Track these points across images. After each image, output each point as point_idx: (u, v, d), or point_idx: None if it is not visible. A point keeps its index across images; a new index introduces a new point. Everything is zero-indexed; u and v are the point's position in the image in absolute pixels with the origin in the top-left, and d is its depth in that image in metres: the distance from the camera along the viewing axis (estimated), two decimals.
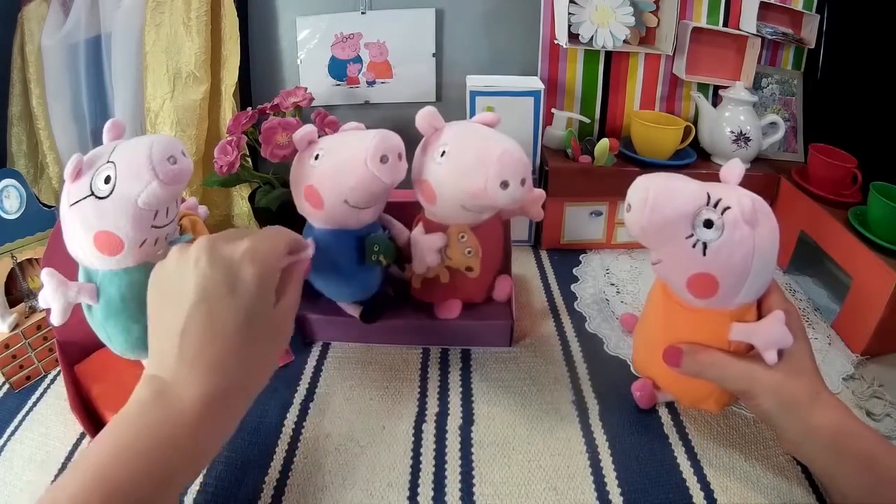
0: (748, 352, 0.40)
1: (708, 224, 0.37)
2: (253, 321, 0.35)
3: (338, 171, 0.45)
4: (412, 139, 0.49)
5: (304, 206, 0.49)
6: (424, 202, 0.50)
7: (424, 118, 0.48)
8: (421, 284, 0.53)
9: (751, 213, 0.36)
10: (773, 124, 0.71)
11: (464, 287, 0.53)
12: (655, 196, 0.37)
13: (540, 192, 0.55)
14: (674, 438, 0.46)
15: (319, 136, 0.49)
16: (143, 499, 0.30)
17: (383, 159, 0.43)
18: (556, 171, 0.69)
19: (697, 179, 0.39)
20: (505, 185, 0.43)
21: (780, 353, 0.38)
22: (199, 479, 0.43)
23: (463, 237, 0.49)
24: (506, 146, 0.44)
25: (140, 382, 0.35)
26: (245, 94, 0.78)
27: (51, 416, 0.49)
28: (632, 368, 0.52)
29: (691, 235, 0.37)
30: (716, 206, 0.37)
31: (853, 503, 0.37)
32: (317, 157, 0.47)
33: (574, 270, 0.70)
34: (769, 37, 0.74)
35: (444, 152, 0.46)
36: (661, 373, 0.44)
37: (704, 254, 0.37)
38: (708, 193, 0.38)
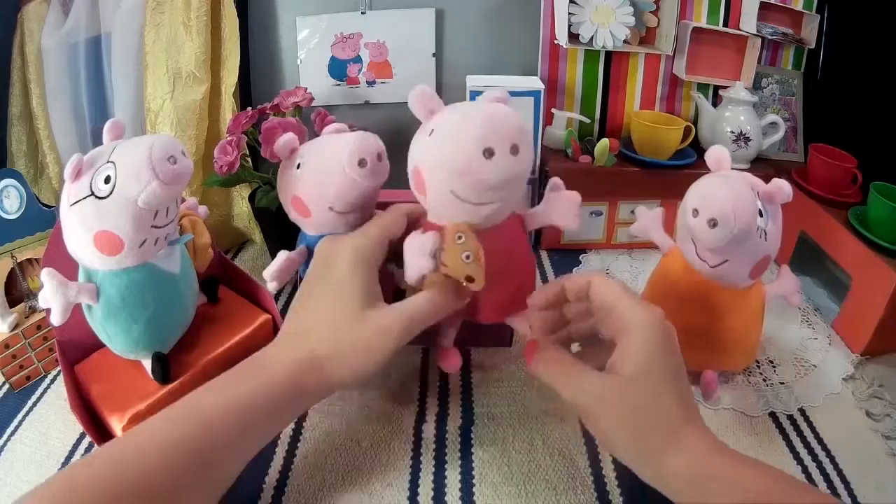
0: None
1: (761, 213, 0.41)
2: (342, 298, 0.39)
3: (319, 179, 0.44)
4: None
5: (293, 215, 0.48)
6: (418, 194, 0.42)
7: (418, 99, 0.40)
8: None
9: (772, 186, 0.42)
10: (773, 124, 0.72)
11: (472, 302, 0.43)
12: (734, 203, 0.40)
13: (573, 194, 0.44)
14: None
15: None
16: (229, 427, 0.35)
17: (361, 163, 0.42)
18: (556, 171, 0.69)
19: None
20: (489, 152, 0.35)
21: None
22: None
23: (461, 238, 0.38)
24: (493, 109, 0.38)
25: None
26: (245, 94, 0.78)
27: (51, 416, 0.49)
28: None
29: (758, 228, 0.41)
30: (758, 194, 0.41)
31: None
32: (298, 167, 0.45)
33: (574, 270, 0.70)
34: (769, 37, 0.74)
35: (432, 130, 0.39)
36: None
37: (766, 238, 0.42)
38: (750, 186, 0.42)
